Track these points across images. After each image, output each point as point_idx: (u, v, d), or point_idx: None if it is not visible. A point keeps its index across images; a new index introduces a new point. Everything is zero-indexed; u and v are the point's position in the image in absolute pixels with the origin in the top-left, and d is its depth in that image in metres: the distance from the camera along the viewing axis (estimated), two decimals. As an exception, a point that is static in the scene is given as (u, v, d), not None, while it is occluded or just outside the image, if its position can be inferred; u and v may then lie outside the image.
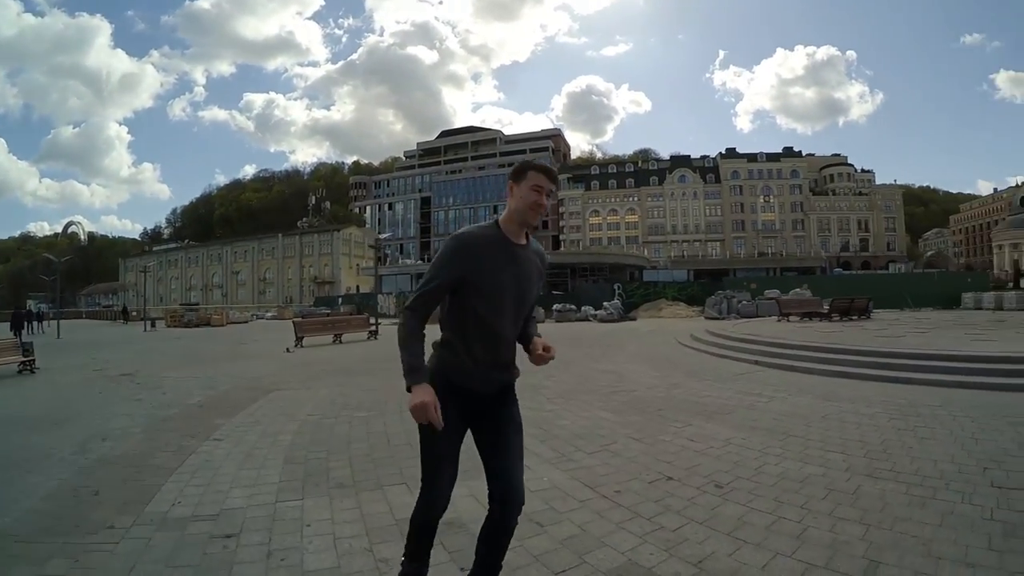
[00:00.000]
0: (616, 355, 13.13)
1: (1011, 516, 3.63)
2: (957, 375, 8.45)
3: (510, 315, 2.19)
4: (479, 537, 2.34)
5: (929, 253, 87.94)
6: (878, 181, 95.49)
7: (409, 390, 2.03)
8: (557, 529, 3.48)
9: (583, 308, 32.06)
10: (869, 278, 46.44)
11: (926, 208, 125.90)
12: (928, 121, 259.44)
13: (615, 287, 38.43)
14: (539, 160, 2.27)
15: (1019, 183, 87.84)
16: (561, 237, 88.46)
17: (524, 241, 2.22)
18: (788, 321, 21.33)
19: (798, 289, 31.22)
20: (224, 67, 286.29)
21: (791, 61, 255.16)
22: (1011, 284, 41.94)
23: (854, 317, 21.22)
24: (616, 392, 8.32)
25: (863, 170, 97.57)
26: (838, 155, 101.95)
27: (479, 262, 2.09)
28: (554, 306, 32.15)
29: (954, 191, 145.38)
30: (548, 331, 21.22)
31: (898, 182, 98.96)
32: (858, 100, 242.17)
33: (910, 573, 2.93)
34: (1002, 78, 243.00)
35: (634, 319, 31.44)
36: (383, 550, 3.21)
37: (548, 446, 5.42)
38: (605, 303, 31.98)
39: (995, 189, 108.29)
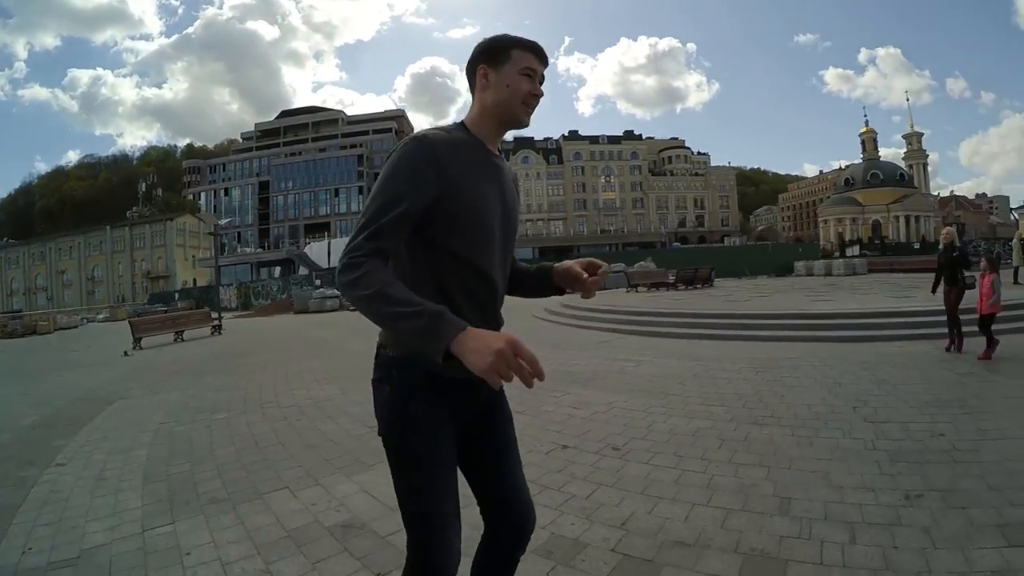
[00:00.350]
0: (474, 333, 13.16)
1: (890, 445, 4.10)
2: (806, 331, 9.53)
3: (499, 255, 1.61)
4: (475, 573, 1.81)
5: (760, 228, 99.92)
6: (713, 163, 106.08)
7: (447, 355, 1.25)
8: (465, 514, 3.27)
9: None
10: (707, 251, 51.33)
11: (757, 188, 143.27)
12: (761, 110, 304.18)
13: (462, 267, 39.17)
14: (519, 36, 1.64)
15: (842, 166, 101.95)
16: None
17: (497, 151, 1.67)
18: (637, 291, 22.79)
19: (643, 262, 33.57)
20: (48, 39, 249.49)
21: (634, 50, 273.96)
22: (837, 253, 48.40)
23: (698, 286, 23.28)
24: (483, 367, 8.25)
25: (699, 153, 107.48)
26: (676, 139, 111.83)
27: (456, 176, 1.46)
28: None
29: (782, 172, 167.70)
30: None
31: (732, 164, 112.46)
32: (696, 89, 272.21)
33: (820, 504, 3.17)
34: (831, 74, 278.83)
35: (484, 299, 32.14)
36: (282, 568, 2.81)
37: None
38: (454, 284, 32.44)
39: (820, 171, 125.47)
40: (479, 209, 1.51)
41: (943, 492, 3.23)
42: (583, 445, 4.51)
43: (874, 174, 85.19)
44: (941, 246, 8.24)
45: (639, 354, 9.00)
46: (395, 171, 1.42)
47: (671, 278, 24.25)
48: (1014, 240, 23.47)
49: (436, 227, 1.46)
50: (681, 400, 5.89)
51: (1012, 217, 64.37)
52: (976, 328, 7.34)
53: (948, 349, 7.68)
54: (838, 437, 4.36)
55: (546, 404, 5.90)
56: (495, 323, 1.59)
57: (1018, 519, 2.84)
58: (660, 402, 5.84)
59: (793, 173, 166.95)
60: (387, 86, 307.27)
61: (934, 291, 8.23)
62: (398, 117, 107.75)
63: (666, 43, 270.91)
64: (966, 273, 7.79)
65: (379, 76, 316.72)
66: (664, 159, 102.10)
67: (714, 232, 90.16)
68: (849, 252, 47.49)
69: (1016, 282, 16.30)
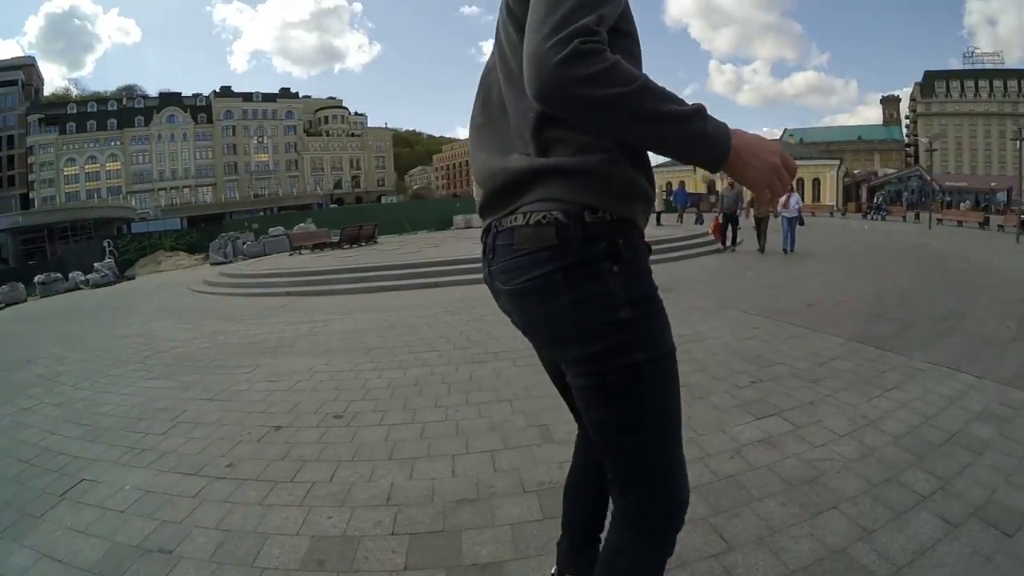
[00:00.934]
0: (130, 318, 10.89)
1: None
2: (486, 270, 9.87)
3: None
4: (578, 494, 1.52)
5: (416, 187, 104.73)
6: (370, 124, 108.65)
7: (721, 160, 0.95)
8: (191, 546, 2.34)
9: (71, 275, 26.67)
10: (367, 209, 51.85)
11: (412, 149, 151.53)
12: (420, 74, 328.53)
13: (104, 244, 33.30)
14: None
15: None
16: (32, 195, 74.58)
17: None
18: (301, 253, 21.90)
19: (303, 224, 32.53)
20: None
21: (297, 4, 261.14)
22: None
23: (363, 243, 23.21)
24: (152, 355, 6.73)
25: (357, 113, 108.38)
26: (334, 98, 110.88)
27: None
28: (36, 278, 25.69)
29: (437, 135, 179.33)
30: (42, 308, 16.36)
31: (389, 125, 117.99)
32: (357, 49, 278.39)
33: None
34: (489, 45, 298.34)
35: (133, 277, 28.02)
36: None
37: (105, 442, 3.77)
38: (96, 265, 27.39)
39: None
40: (638, 37, 1.16)
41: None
42: (299, 421, 3.82)
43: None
44: None
45: (324, 313, 8.40)
46: None
47: (335, 237, 23.80)
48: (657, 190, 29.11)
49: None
50: (387, 352, 5.55)
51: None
52: None
53: None
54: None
55: (237, 384, 4.94)
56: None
57: (748, 398, 3.15)
58: (366, 358, 5.40)
59: (447, 135, 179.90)
60: (15, 29, 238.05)
61: None
62: (26, 66, 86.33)
63: (331, 0, 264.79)
64: None
65: (6, 16, 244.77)
66: (321, 119, 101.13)
67: (370, 192, 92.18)
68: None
69: (659, 224, 20.11)
